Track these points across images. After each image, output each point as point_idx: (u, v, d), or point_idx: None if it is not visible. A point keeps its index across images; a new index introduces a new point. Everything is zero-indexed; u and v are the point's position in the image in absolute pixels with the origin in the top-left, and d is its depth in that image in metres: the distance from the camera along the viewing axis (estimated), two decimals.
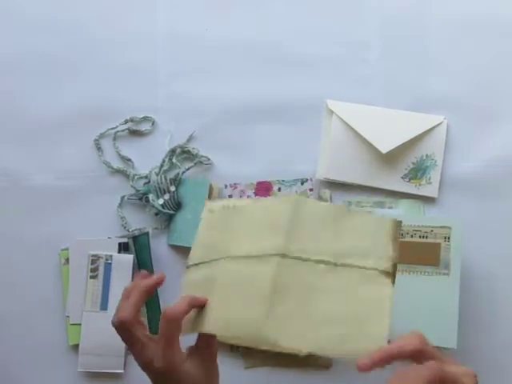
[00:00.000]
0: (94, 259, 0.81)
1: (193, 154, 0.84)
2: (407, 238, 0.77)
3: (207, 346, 0.57)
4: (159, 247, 0.83)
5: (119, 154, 0.85)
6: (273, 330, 0.49)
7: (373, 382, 0.80)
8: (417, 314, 0.76)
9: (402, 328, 0.73)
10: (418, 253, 0.76)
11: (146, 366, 0.54)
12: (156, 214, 0.83)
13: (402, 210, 0.81)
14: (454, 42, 0.84)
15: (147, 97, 0.86)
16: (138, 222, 0.84)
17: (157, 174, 0.82)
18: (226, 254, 0.57)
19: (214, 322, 0.52)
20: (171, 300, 0.82)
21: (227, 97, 0.85)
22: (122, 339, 0.54)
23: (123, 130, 0.85)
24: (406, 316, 0.75)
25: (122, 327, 0.53)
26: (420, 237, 0.77)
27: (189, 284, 0.58)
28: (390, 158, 0.81)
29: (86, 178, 0.85)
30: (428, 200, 0.82)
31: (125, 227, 0.83)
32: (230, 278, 0.55)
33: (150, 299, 0.81)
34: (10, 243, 0.84)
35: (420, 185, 0.81)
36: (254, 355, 0.81)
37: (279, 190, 0.82)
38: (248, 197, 0.82)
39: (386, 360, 0.47)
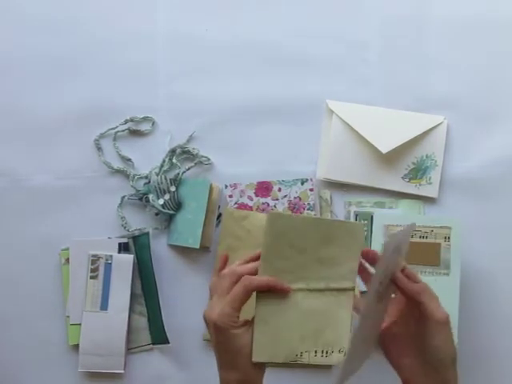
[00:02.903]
0: (94, 259, 0.81)
1: (193, 154, 0.84)
2: None
3: None
4: (159, 247, 0.83)
5: (119, 154, 0.85)
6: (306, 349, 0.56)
7: (373, 381, 0.81)
8: None
9: None
10: (418, 253, 0.76)
11: (206, 316, 0.56)
12: (156, 214, 0.83)
13: (402, 210, 0.81)
14: (453, 42, 0.84)
15: (147, 97, 0.86)
16: (138, 222, 0.84)
17: (157, 174, 0.82)
18: None
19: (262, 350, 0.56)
20: (171, 300, 0.83)
21: (227, 97, 0.85)
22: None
23: (123, 130, 0.85)
24: None
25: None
26: (420, 237, 0.77)
27: None
28: (390, 158, 0.81)
29: (86, 178, 0.85)
30: (428, 200, 0.82)
31: (125, 227, 0.83)
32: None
33: (150, 299, 0.81)
34: (10, 243, 0.84)
35: (420, 185, 0.81)
36: None
37: (279, 190, 0.82)
38: (248, 197, 0.82)
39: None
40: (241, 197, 0.82)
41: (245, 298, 0.55)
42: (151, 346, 0.82)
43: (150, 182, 0.83)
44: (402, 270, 0.57)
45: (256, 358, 0.56)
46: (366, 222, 0.81)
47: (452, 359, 0.56)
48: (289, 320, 0.56)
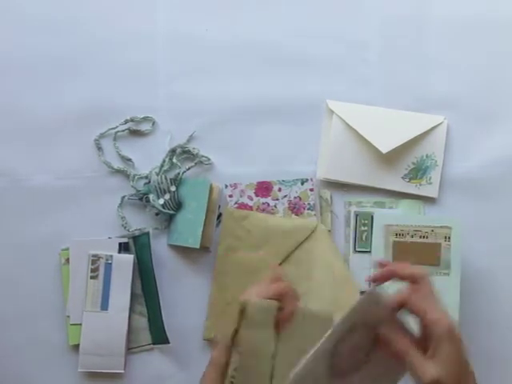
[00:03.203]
0: (95, 259, 0.81)
1: (193, 154, 0.84)
2: (407, 238, 0.77)
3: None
4: (159, 247, 0.83)
5: (119, 154, 0.85)
6: None
7: None
8: None
9: None
10: (418, 253, 0.77)
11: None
12: (156, 214, 0.83)
13: (402, 210, 0.81)
14: (453, 42, 0.84)
15: (147, 97, 0.86)
16: (139, 222, 0.84)
17: (157, 174, 0.82)
18: None
19: None
20: (171, 300, 0.82)
21: (227, 97, 0.85)
22: None
23: (123, 130, 0.85)
24: (405, 316, 0.75)
25: None
26: (420, 237, 0.77)
27: None
28: (390, 158, 0.81)
29: (86, 178, 0.85)
30: (428, 200, 0.82)
31: (125, 227, 0.83)
32: None
33: (150, 299, 0.81)
34: (10, 243, 0.84)
35: (420, 185, 0.81)
36: None
37: (279, 190, 0.82)
38: (248, 197, 0.82)
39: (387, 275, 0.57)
40: (241, 197, 0.82)
41: None
42: (151, 345, 0.82)
43: (150, 181, 0.83)
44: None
45: None
46: (366, 221, 0.81)
47: None
48: None
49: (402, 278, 0.57)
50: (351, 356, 0.53)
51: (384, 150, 0.80)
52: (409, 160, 0.82)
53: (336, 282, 0.74)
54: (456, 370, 0.53)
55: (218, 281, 0.81)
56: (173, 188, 0.81)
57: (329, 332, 0.52)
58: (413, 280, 0.56)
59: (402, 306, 0.54)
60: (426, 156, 0.81)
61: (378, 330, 0.54)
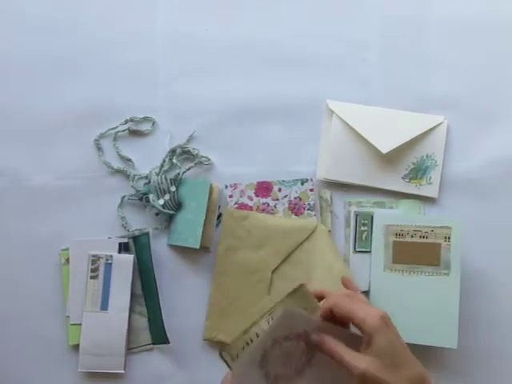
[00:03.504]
0: (94, 259, 0.81)
1: (193, 154, 0.84)
2: (407, 238, 0.77)
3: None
4: (159, 247, 0.83)
5: (119, 154, 0.85)
6: None
7: None
8: (417, 313, 0.76)
9: (403, 327, 0.73)
10: (418, 253, 0.76)
11: None
12: (156, 214, 0.83)
13: (402, 210, 0.81)
14: (454, 42, 0.84)
15: (147, 97, 0.86)
16: (139, 222, 0.84)
17: (157, 174, 0.82)
18: None
19: None
20: (171, 300, 0.83)
21: (227, 97, 0.85)
22: None
23: (123, 130, 0.85)
24: (406, 316, 0.76)
25: None
26: (420, 237, 0.77)
27: None
28: (390, 158, 0.81)
29: (86, 178, 0.85)
30: (428, 200, 0.82)
31: (125, 227, 0.83)
32: None
33: (150, 299, 0.81)
34: (10, 243, 0.84)
35: (420, 185, 0.81)
36: None
37: (279, 190, 0.82)
38: (248, 197, 0.82)
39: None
40: (241, 197, 0.82)
41: None
42: (151, 345, 0.82)
43: (150, 182, 0.83)
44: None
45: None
46: (366, 221, 0.81)
47: None
48: None
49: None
50: (287, 363, 0.58)
51: (384, 150, 0.80)
52: (409, 160, 0.82)
53: (336, 282, 0.74)
54: (390, 361, 0.53)
55: (217, 281, 0.81)
56: (173, 188, 0.81)
57: (249, 350, 0.57)
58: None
59: (330, 313, 0.57)
60: (426, 156, 0.81)
61: (308, 338, 0.58)
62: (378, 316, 0.54)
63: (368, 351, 0.53)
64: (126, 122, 0.85)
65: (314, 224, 0.79)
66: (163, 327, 0.79)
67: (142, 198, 0.83)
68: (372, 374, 0.52)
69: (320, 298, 0.62)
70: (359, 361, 0.53)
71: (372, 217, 0.80)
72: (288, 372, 0.58)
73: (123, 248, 0.81)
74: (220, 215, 0.83)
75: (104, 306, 0.80)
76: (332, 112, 0.83)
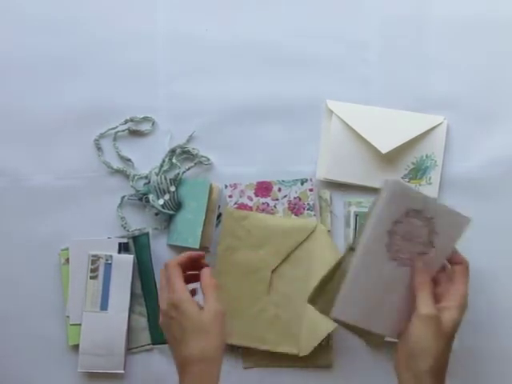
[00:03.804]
0: (94, 259, 0.81)
1: (193, 154, 0.84)
2: None
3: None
4: (159, 247, 0.83)
5: (119, 154, 0.85)
6: None
7: (373, 382, 0.81)
8: None
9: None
10: None
11: (160, 312, 0.66)
12: (156, 215, 0.83)
13: None
14: (454, 42, 0.84)
15: (147, 97, 0.86)
16: (138, 222, 0.84)
17: (157, 174, 0.82)
18: None
19: None
20: None
21: (227, 97, 0.85)
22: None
23: (123, 130, 0.85)
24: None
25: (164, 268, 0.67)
26: None
27: None
28: (390, 158, 0.81)
29: (86, 178, 0.85)
30: None
31: (125, 227, 0.83)
32: None
33: (150, 299, 0.81)
34: (9, 243, 0.84)
35: (420, 185, 0.81)
36: (253, 355, 0.81)
37: (279, 190, 0.82)
38: (248, 197, 0.82)
39: None
40: (241, 197, 0.82)
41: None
42: (151, 345, 0.82)
43: (149, 182, 0.83)
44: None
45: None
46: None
47: (430, 364, 0.57)
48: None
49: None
50: (410, 241, 0.63)
51: (384, 150, 0.80)
52: (408, 160, 0.82)
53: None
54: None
55: (218, 281, 0.80)
56: (172, 188, 0.81)
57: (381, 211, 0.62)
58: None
59: None
60: (426, 156, 0.81)
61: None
62: (433, 313, 0.60)
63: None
64: (126, 122, 0.85)
65: (314, 224, 0.79)
66: None
67: (142, 198, 0.83)
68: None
69: None
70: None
71: None
72: (405, 252, 0.63)
73: (123, 248, 0.81)
74: (220, 215, 0.83)
75: (104, 306, 0.80)
76: (332, 112, 0.83)
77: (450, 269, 0.65)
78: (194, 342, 0.61)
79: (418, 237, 0.63)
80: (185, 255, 0.69)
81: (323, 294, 0.63)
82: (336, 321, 0.63)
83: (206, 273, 0.67)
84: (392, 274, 0.63)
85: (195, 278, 0.69)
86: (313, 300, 0.64)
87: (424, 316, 0.59)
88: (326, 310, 0.62)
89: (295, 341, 0.78)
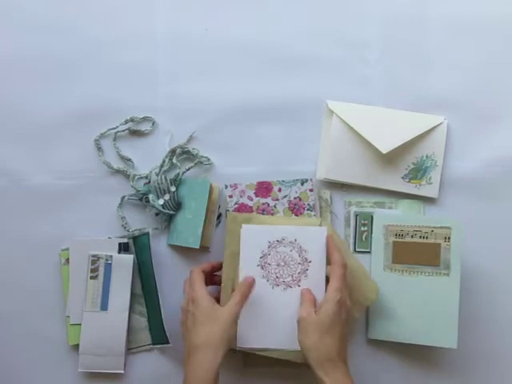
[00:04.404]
0: (94, 259, 0.81)
1: (193, 155, 0.84)
2: (407, 239, 0.77)
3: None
4: (159, 247, 0.83)
5: (119, 154, 0.85)
6: None
7: (373, 382, 0.81)
8: (417, 313, 0.76)
9: (403, 327, 0.73)
10: (418, 253, 0.76)
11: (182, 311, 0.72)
12: (156, 215, 0.83)
13: (402, 210, 0.81)
14: (453, 42, 0.84)
15: (147, 97, 0.86)
16: (138, 222, 0.84)
17: (157, 175, 0.82)
18: None
19: None
20: (171, 300, 0.83)
21: (227, 97, 0.85)
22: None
23: (123, 130, 0.85)
24: (406, 316, 0.76)
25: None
26: (420, 237, 0.77)
27: None
28: (390, 158, 0.81)
29: (86, 177, 0.85)
30: (428, 200, 0.82)
31: (125, 227, 0.83)
32: None
33: (150, 299, 0.81)
34: (10, 243, 0.84)
35: (420, 185, 0.81)
36: (253, 355, 0.80)
37: (279, 190, 0.82)
38: (248, 197, 0.82)
39: None
40: (241, 197, 0.82)
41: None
42: (151, 346, 0.82)
43: (150, 182, 0.83)
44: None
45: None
46: (366, 221, 0.81)
47: (319, 357, 0.65)
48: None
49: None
50: (287, 265, 0.72)
51: (384, 150, 0.80)
52: (409, 160, 0.82)
53: (349, 277, 0.73)
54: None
55: (226, 287, 0.77)
56: (173, 188, 0.81)
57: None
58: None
59: None
60: (426, 156, 0.81)
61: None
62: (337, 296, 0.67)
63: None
64: (126, 121, 0.85)
65: (317, 221, 0.79)
66: (163, 327, 0.79)
67: (142, 198, 0.83)
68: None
69: None
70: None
71: (372, 217, 0.80)
72: (272, 273, 0.73)
73: (123, 248, 0.81)
74: (220, 215, 0.83)
75: (104, 306, 0.80)
76: (332, 112, 0.83)
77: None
78: (201, 329, 0.67)
79: (291, 260, 0.72)
80: (208, 264, 0.77)
81: None
82: (243, 349, 0.72)
83: (248, 280, 0.72)
84: (282, 297, 0.72)
85: (212, 281, 0.78)
86: None
87: (298, 320, 0.67)
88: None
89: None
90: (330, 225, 0.79)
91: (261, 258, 0.73)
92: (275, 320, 0.72)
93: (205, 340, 0.66)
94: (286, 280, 0.72)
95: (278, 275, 0.72)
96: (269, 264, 0.73)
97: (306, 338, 0.66)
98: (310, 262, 0.72)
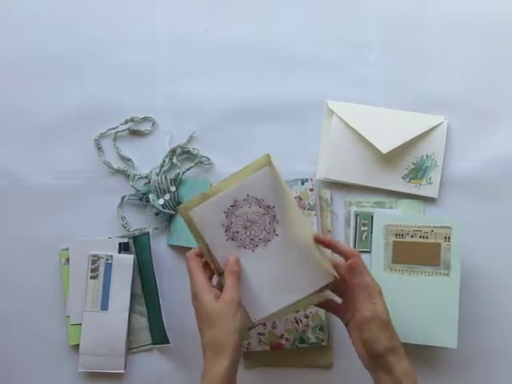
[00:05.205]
0: (94, 259, 0.81)
1: (193, 154, 0.84)
2: (407, 238, 0.77)
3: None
4: (159, 247, 0.83)
5: (119, 154, 0.85)
6: None
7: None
8: (417, 314, 0.76)
9: (403, 327, 0.73)
10: (418, 253, 0.76)
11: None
12: (156, 214, 0.83)
13: (402, 210, 0.81)
14: (453, 42, 0.84)
15: (147, 97, 0.86)
16: (139, 222, 0.84)
17: (157, 174, 0.82)
18: None
19: None
20: (171, 300, 0.83)
21: (227, 97, 0.85)
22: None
23: (123, 130, 0.85)
24: (406, 316, 0.76)
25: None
26: (420, 237, 0.77)
27: None
28: (390, 158, 0.81)
29: (86, 177, 0.85)
30: (428, 200, 0.82)
31: (125, 227, 0.83)
32: None
33: (150, 299, 0.81)
34: (10, 243, 0.84)
35: (420, 185, 0.81)
36: (254, 355, 0.81)
37: None
38: None
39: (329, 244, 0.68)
40: None
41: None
42: (151, 345, 0.82)
43: (150, 182, 0.83)
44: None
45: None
46: (366, 221, 0.81)
47: (384, 348, 0.63)
48: None
49: (337, 251, 0.68)
50: (248, 229, 0.67)
51: (384, 150, 0.80)
52: (409, 160, 0.82)
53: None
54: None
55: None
56: (173, 188, 0.81)
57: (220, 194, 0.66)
58: (345, 256, 0.67)
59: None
60: (426, 156, 0.81)
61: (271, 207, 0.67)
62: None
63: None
64: (126, 121, 0.85)
65: (262, 162, 0.69)
66: (163, 327, 0.79)
67: (142, 198, 0.83)
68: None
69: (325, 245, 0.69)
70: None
71: (372, 217, 0.80)
72: (245, 238, 0.68)
73: (123, 248, 0.81)
74: None
75: (104, 305, 0.80)
76: (332, 112, 0.83)
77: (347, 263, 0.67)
78: (207, 331, 0.65)
79: (255, 215, 0.67)
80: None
81: None
82: (261, 321, 0.69)
83: (230, 259, 0.68)
84: (267, 253, 0.68)
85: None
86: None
87: (368, 317, 0.64)
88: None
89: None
90: (269, 156, 0.70)
91: (225, 231, 0.67)
92: (274, 277, 0.68)
93: (212, 340, 0.64)
94: (261, 237, 0.68)
95: (251, 237, 0.68)
96: (237, 232, 0.68)
97: (382, 332, 0.63)
98: (273, 206, 0.67)
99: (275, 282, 0.68)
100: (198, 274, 0.67)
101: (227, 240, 0.68)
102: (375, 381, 0.65)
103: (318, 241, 0.68)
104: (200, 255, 0.70)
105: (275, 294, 0.68)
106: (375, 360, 0.64)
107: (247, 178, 0.66)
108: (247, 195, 0.67)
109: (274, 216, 0.67)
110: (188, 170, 0.83)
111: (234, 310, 0.64)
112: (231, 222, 0.67)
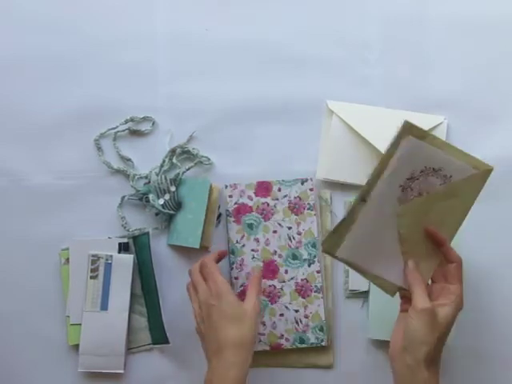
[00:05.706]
0: (94, 259, 0.81)
1: (193, 154, 0.84)
2: None
3: None
4: (159, 247, 0.83)
5: (119, 154, 0.85)
6: None
7: (372, 382, 0.81)
8: None
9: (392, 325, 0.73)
10: None
11: (197, 305, 0.72)
12: (156, 214, 0.83)
13: None
14: (453, 42, 0.84)
15: (147, 97, 0.86)
16: (138, 222, 0.84)
17: (157, 174, 0.82)
18: None
19: None
20: (171, 300, 0.83)
21: (227, 97, 0.85)
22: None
23: (123, 130, 0.85)
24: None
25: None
26: None
27: None
28: None
29: (86, 177, 0.85)
30: None
31: (125, 227, 0.83)
32: None
33: (150, 299, 0.81)
34: (10, 243, 0.84)
35: None
36: (253, 355, 0.80)
37: (279, 190, 0.82)
38: (248, 197, 0.82)
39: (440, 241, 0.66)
40: (241, 197, 0.82)
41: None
42: (151, 345, 0.82)
43: (149, 182, 0.83)
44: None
45: None
46: None
47: (425, 354, 0.61)
48: None
49: (444, 251, 0.67)
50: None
51: (384, 150, 0.80)
52: None
53: None
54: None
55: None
56: (173, 188, 0.81)
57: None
58: (449, 259, 0.67)
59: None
60: None
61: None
62: (427, 306, 0.62)
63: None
64: (126, 121, 0.85)
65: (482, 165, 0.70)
66: (163, 327, 0.79)
67: (142, 198, 0.83)
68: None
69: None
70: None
71: None
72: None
73: (123, 248, 0.81)
74: (220, 215, 0.83)
75: (104, 305, 0.80)
76: (332, 112, 0.83)
77: (445, 267, 0.67)
78: (232, 328, 0.66)
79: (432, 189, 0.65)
80: (215, 253, 0.75)
81: (333, 239, 0.66)
82: (341, 260, 0.66)
83: (256, 271, 0.74)
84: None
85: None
86: (323, 244, 0.67)
87: (420, 310, 0.61)
88: (331, 252, 0.66)
89: None
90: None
91: (408, 179, 0.64)
92: (384, 246, 0.66)
93: (237, 339, 0.65)
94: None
95: (411, 195, 0.64)
96: (410, 189, 0.64)
97: (431, 332, 0.61)
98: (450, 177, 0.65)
99: (390, 251, 0.66)
100: (220, 276, 0.70)
101: (399, 186, 0.65)
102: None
103: (431, 234, 0.66)
104: (217, 261, 0.73)
105: (380, 257, 0.66)
106: (406, 357, 0.62)
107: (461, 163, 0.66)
108: (450, 176, 0.66)
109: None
110: (188, 169, 0.83)
111: (257, 317, 0.67)
112: (417, 179, 0.65)
